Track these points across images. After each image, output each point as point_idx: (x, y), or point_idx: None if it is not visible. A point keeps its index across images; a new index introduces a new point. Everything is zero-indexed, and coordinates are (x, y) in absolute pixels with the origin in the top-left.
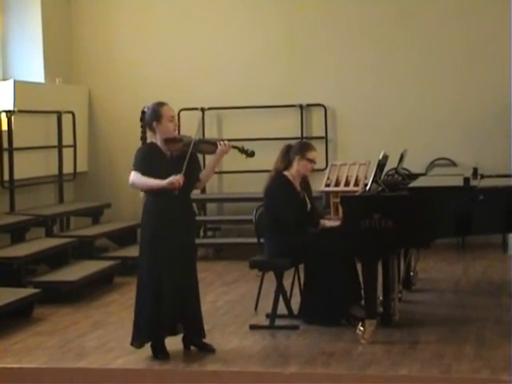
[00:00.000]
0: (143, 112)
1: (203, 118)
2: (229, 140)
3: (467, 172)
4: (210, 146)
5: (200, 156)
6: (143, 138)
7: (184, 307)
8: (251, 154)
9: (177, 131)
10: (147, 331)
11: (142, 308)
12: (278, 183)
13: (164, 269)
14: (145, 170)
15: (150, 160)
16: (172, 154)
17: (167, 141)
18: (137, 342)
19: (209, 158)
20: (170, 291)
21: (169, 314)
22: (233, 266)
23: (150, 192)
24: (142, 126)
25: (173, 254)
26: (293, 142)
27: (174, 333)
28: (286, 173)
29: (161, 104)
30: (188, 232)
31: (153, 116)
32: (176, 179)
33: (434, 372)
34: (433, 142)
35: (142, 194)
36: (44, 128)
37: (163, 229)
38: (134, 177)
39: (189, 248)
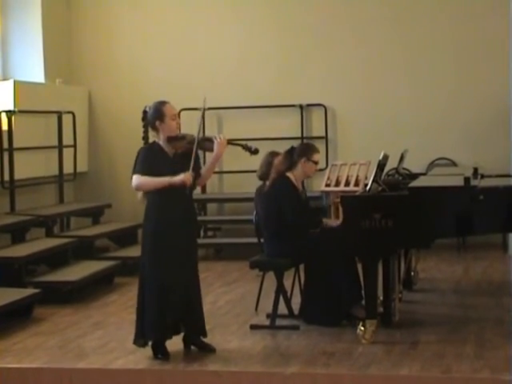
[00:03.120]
0: (145, 112)
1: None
2: (230, 139)
3: (467, 172)
4: (210, 143)
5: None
6: (145, 138)
7: (188, 307)
8: (255, 152)
9: (179, 129)
10: (151, 330)
11: (145, 307)
12: (281, 185)
13: (166, 268)
14: (146, 172)
15: (151, 160)
16: (175, 153)
17: (170, 139)
18: (140, 340)
19: (209, 156)
20: (174, 290)
21: (173, 314)
22: (233, 266)
23: (153, 192)
24: (143, 126)
25: (175, 254)
26: (294, 144)
27: (177, 332)
28: (288, 174)
29: (163, 103)
30: (190, 231)
31: (155, 115)
32: (187, 177)
33: (434, 372)
34: (433, 141)
35: (139, 195)
36: (44, 128)
37: (165, 228)
38: (139, 179)
39: (191, 247)
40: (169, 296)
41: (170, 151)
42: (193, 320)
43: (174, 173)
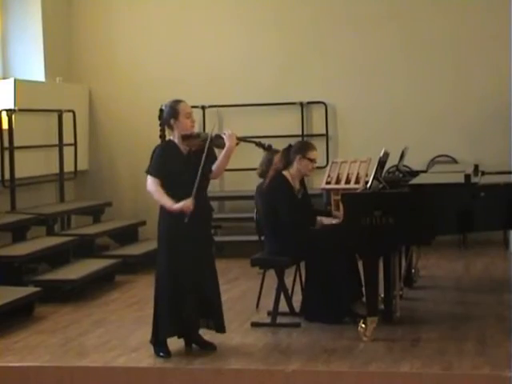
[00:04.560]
0: (161, 110)
1: (204, 115)
2: (242, 137)
3: (468, 169)
4: (222, 139)
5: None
6: (162, 136)
7: (204, 304)
8: (269, 148)
9: (194, 127)
10: (167, 327)
11: (161, 306)
12: (277, 183)
13: (182, 267)
14: (159, 175)
15: (166, 160)
16: (190, 151)
17: (185, 137)
18: (153, 338)
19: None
20: (189, 290)
21: (190, 312)
22: (234, 263)
23: (168, 189)
24: (160, 125)
25: (192, 251)
26: (293, 142)
27: (197, 327)
28: (284, 172)
29: (178, 101)
30: (205, 228)
31: (170, 113)
32: (187, 206)
33: (435, 369)
34: (433, 138)
35: None
36: (45, 127)
37: (180, 225)
38: (152, 186)
39: (207, 244)
40: (186, 294)
41: (184, 149)
42: (212, 317)
43: (187, 171)
